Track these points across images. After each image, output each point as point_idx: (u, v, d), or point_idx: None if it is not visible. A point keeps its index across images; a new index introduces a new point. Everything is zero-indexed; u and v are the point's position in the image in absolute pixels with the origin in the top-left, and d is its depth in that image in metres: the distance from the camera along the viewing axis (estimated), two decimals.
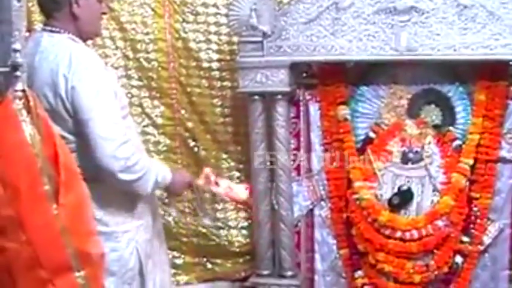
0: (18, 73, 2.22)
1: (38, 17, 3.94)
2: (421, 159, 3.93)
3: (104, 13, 3.17)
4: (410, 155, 3.94)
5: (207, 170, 3.36)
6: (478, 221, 3.92)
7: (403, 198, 3.91)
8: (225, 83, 4.33)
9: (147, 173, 2.94)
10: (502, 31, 3.58)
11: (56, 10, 2.94)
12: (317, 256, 4.24)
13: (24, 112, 2.19)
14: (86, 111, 2.78)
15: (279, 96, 3.91)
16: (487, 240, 3.95)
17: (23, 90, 2.22)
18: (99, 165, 2.81)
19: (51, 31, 2.94)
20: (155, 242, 3.27)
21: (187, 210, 4.47)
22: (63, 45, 2.88)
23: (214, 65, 4.32)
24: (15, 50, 2.20)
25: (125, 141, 2.84)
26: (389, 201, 3.91)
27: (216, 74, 4.33)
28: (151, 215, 3.22)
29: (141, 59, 4.31)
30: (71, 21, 2.94)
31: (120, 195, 3.00)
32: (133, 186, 2.93)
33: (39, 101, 2.33)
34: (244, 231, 4.51)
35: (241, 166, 4.43)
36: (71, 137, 2.85)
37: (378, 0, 3.69)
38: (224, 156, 4.43)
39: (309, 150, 4.13)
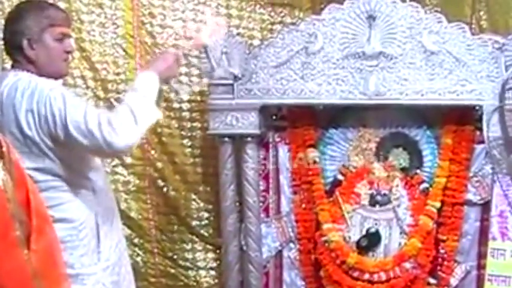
0: None
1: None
2: (389, 202, 3.97)
3: (69, 52, 3.07)
4: (378, 198, 3.97)
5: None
6: (445, 263, 3.97)
7: (371, 241, 3.93)
8: (195, 124, 4.34)
9: (134, 116, 2.85)
10: (468, 77, 3.66)
11: (16, 55, 2.96)
12: None
13: None
14: (61, 110, 2.77)
15: (249, 139, 3.94)
16: (454, 282, 3.98)
17: None
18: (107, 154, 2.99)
19: (15, 71, 2.95)
20: (124, 284, 3.25)
21: (155, 250, 4.46)
22: (24, 80, 2.87)
23: (185, 105, 4.33)
24: None
25: (99, 122, 2.78)
26: (358, 243, 3.94)
27: (187, 115, 4.34)
28: (119, 256, 3.20)
29: (112, 99, 4.29)
30: (29, 64, 2.94)
31: (86, 236, 2.98)
32: (141, 132, 2.89)
33: (12, 145, 2.32)
34: (212, 272, 4.49)
35: (210, 207, 4.42)
36: (37, 175, 2.81)
37: (347, 46, 3.75)
38: (193, 196, 4.42)
39: (278, 192, 4.15)
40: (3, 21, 3.78)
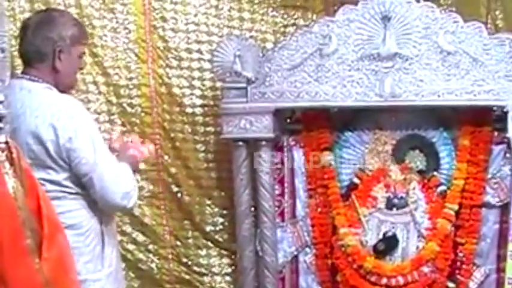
0: (1, 125, 2.19)
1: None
2: (406, 205, 3.93)
3: (81, 68, 3.21)
4: (395, 201, 3.94)
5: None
6: (464, 266, 3.93)
7: (388, 244, 3.89)
8: (208, 129, 4.31)
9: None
10: (485, 77, 3.62)
11: (39, 61, 2.95)
12: None
13: (7, 164, 2.15)
14: (90, 159, 2.87)
15: (263, 142, 3.90)
16: (473, 285, 3.95)
17: (6, 142, 2.18)
18: (112, 204, 2.96)
19: (29, 79, 2.94)
20: None
21: (170, 256, 4.42)
22: (47, 94, 2.91)
23: (198, 110, 4.29)
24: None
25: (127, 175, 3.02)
26: (375, 247, 3.90)
27: (200, 119, 4.30)
28: (116, 261, 3.20)
29: (125, 104, 4.27)
30: (50, 73, 2.96)
31: (92, 242, 3.00)
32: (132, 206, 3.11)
33: (22, 152, 2.29)
34: (228, 278, 4.45)
35: (225, 212, 4.38)
36: (50, 186, 2.84)
37: (361, 47, 3.72)
38: (208, 202, 4.39)
39: (293, 196, 4.11)
40: (14, 28, 3.80)
